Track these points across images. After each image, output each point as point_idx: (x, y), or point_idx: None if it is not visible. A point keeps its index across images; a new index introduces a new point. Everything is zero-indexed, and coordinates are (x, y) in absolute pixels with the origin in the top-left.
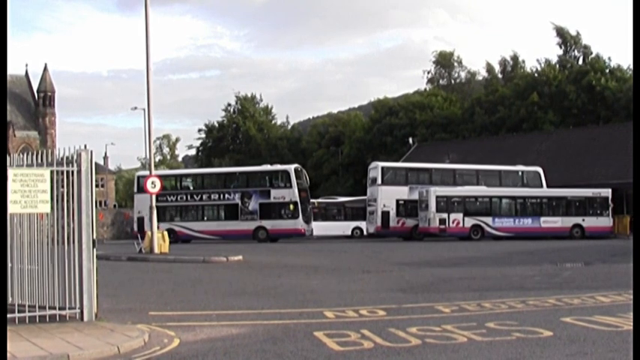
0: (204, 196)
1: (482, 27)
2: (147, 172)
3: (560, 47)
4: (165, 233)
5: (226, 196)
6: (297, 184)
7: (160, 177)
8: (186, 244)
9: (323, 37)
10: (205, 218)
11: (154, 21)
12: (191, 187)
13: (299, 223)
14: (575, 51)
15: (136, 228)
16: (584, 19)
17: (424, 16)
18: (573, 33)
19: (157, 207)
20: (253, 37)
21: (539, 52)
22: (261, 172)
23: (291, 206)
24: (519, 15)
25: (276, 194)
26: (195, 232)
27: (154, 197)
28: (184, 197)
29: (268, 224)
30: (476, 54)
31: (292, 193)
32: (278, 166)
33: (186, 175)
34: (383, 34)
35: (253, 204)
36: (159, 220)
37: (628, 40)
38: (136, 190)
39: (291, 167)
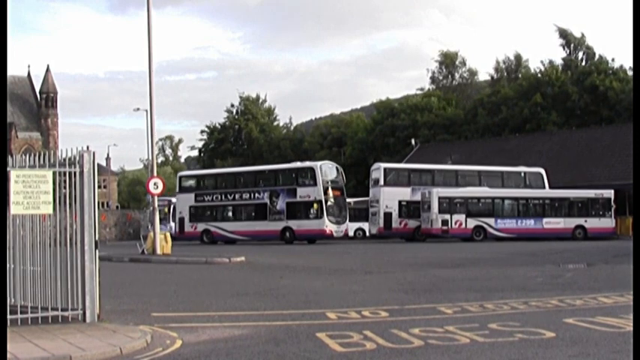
0: (237, 196)
1: (477, 28)
2: (189, 172)
3: (564, 49)
4: (168, 234)
5: (256, 195)
6: (329, 181)
7: (198, 176)
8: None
9: (319, 39)
10: (237, 218)
11: (147, 24)
12: (225, 187)
13: (323, 224)
14: (580, 52)
15: (177, 229)
16: (584, 20)
17: (418, 17)
18: (577, 35)
19: (195, 207)
20: (249, 38)
21: (540, 53)
22: (289, 169)
23: (315, 205)
24: (517, 15)
25: (302, 193)
26: (228, 233)
27: (155, 198)
28: (219, 197)
29: (294, 224)
30: (473, 54)
31: (317, 192)
32: (306, 163)
33: (220, 175)
34: (378, 36)
35: (281, 203)
36: (197, 220)
37: (630, 41)
38: (177, 190)
39: (316, 164)
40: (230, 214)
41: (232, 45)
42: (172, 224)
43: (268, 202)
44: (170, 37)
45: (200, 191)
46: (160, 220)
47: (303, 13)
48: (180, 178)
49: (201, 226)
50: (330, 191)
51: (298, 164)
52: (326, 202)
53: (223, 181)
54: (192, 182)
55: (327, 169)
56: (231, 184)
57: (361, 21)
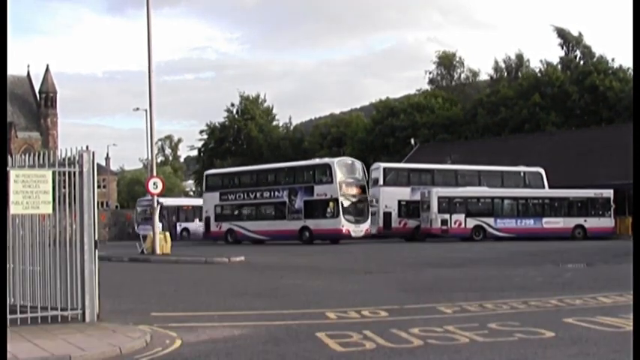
0: (258, 194)
1: (476, 28)
2: (215, 170)
3: (562, 48)
4: (167, 234)
5: (276, 193)
6: (347, 179)
7: (223, 174)
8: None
9: (316, 39)
10: (259, 217)
11: (147, 24)
12: (247, 185)
13: (339, 223)
14: (577, 51)
15: (203, 228)
16: (584, 19)
17: (417, 18)
18: (575, 34)
19: (220, 206)
20: (247, 39)
21: (540, 52)
22: (306, 166)
23: (331, 204)
24: (517, 15)
25: (319, 191)
26: (249, 233)
27: (155, 198)
28: (241, 195)
29: (312, 224)
30: (473, 54)
31: (333, 189)
32: (324, 159)
33: (243, 173)
34: (376, 36)
35: (299, 202)
36: (222, 220)
37: (630, 41)
38: (204, 188)
39: (333, 160)
40: (252, 213)
41: (230, 45)
42: (159, 224)
43: (287, 201)
44: (168, 38)
45: (224, 190)
46: (146, 220)
47: (300, 14)
48: (207, 176)
49: (225, 226)
50: (347, 189)
51: (316, 161)
52: (343, 200)
53: (245, 179)
54: (217, 180)
55: (346, 166)
56: (253, 182)
57: (359, 21)
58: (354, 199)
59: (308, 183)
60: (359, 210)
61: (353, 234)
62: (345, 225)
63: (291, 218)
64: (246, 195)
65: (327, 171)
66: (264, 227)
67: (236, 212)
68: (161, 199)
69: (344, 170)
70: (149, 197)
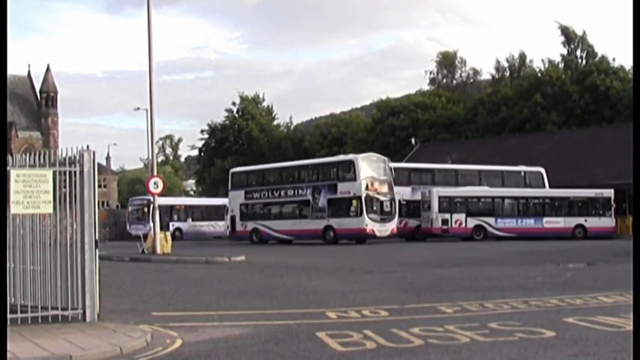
0: (282, 192)
1: (475, 27)
2: (241, 168)
3: (565, 46)
4: (168, 234)
5: (299, 191)
6: (372, 176)
7: (248, 172)
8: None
9: (316, 39)
10: (283, 217)
11: (147, 23)
12: (271, 183)
13: (363, 222)
14: (579, 50)
15: (229, 227)
16: (585, 19)
17: (416, 17)
18: (579, 32)
19: (245, 204)
20: (246, 38)
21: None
22: (330, 163)
23: (355, 202)
24: (516, 15)
25: (342, 188)
26: (274, 232)
27: (156, 198)
28: (266, 194)
29: (335, 223)
30: (474, 54)
31: (356, 187)
32: (349, 156)
33: (267, 170)
34: (376, 35)
35: (322, 200)
36: (247, 219)
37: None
38: (229, 187)
39: (357, 157)
40: (276, 211)
41: (230, 45)
42: (151, 224)
43: (311, 199)
44: (167, 37)
45: (249, 188)
46: (139, 219)
47: (300, 13)
48: (232, 174)
49: (250, 225)
50: (372, 186)
51: (340, 157)
52: (367, 198)
53: (269, 176)
54: (242, 178)
55: (370, 162)
56: (277, 180)
57: (358, 21)
58: (378, 197)
59: (331, 180)
60: (384, 208)
61: (378, 233)
62: (370, 224)
63: (315, 217)
64: (270, 193)
65: (350, 167)
66: (289, 226)
67: (261, 211)
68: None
69: (368, 167)
70: (141, 197)
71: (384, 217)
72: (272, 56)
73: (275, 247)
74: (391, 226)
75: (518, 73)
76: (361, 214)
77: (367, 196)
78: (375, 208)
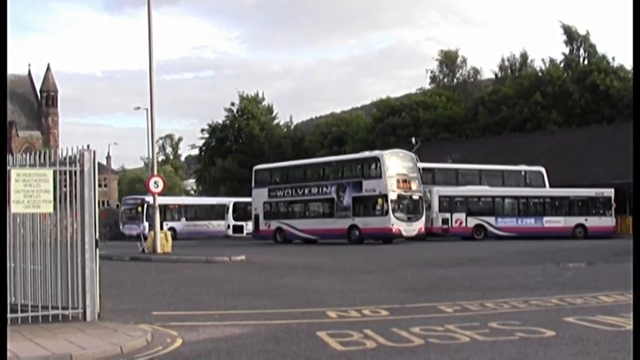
0: (306, 190)
1: (475, 27)
2: (264, 165)
3: (567, 45)
4: (169, 233)
5: (324, 189)
6: (399, 173)
7: (272, 170)
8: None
9: (316, 38)
10: (307, 215)
11: (147, 23)
12: (294, 180)
13: (388, 221)
14: (582, 50)
15: (252, 227)
16: (586, 18)
17: (415, 17)
18: (582, 32)
19: (269, 203)
20: (246, 38)
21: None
22: (355, 160)
23: (380, 200)
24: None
25: (368, 186)
26: (297, 232)
27: (156, 197)
28: (289, 192)
29: (360, 222)
30: (475, 53)
31: (382, 185)
32: (374, 152)
33: (291, 167)
34: (375, 35)
35: (347, 198)
36: (271, 218)
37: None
38: (253, 184)
39: (383, 153)
40: (300, 210)
41: (229, 44)
42: (146, 224)
43: (335, 197)
44: (167, 37)
45: (273, 186)
46: (131, 219)
47: (299, 13)
48: (256, 171)
49: (274, 224)
50: (398, 184)
51: (365, 154)
52: (393, 196)
53: (293, 174)
54: (266, 176)
55: (396, 159)
56: (301, 177)
57: (358, 20)
58: (405, 195)
59: (356, 178)
60: (411, 207)
61: (404, 233)
62: (395, 223)
63: (340, 216)
64: (294, 191)
65: (375, 164)
66: (313, 225)
67: (285, 210)
68: (147, 198)
69: (394, 163)
70: (134, 196)
71: (411, 215)
72: (272, 56)
73: (275, 247)
74: (418, 225)
75: (520, 72)
76: (387, 213)
77: (393, 193)
78: (401, 206)
